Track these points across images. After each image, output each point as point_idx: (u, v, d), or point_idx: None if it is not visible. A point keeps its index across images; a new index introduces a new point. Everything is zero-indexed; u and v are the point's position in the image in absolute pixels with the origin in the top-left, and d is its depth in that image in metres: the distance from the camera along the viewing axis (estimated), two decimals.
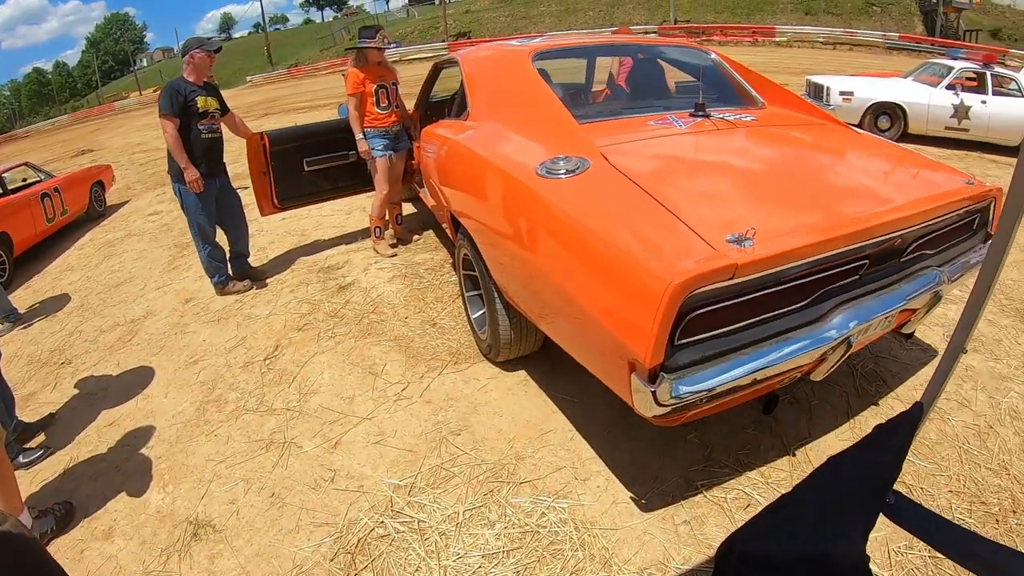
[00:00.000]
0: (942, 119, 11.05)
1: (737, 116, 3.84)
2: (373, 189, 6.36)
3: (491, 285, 3.71)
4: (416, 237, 6.75)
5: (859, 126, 10.78)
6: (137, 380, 4.73)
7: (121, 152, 22.22)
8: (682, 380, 2.18)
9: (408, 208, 7.51)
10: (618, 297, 2.30)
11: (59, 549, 3.19)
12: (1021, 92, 10.72)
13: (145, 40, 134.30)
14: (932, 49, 36.51)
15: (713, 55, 4.73)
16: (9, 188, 9.85)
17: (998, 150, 10.70)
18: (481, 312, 4.17)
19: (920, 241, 2.96)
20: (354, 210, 8.03)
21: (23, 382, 5.16)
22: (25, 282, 8.22)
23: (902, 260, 2.94)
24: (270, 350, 4.70)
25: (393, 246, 6.50)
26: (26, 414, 4.54)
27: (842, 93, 11.57)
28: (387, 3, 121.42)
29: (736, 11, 49.74)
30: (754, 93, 4.42)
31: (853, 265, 2.66)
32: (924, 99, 11.16)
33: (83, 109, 78.40)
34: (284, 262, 6.62)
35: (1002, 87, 10.90)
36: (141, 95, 71.07)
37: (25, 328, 6.35)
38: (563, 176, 2.92)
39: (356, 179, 6.64)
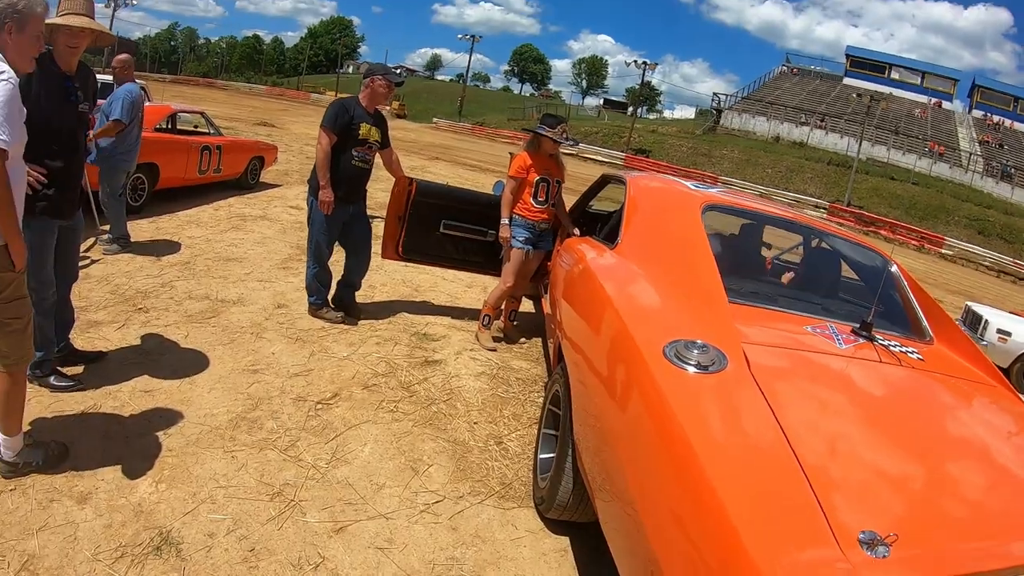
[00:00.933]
0: None
1: (902, 348, 3.35)
2: (499, 275, 6.09)
3: (570, 438, 3.26)
4: (523, 340, 6.35)
5: (1006, 370, 9.92)
6: (194, 362, 4.56)
7: (296, 138, 23.12)
8: None
9: (527, 306, 7.17)
10: (696, 554, 1.88)
11: (33, 485, 3.03)
12: None
13: (359, 49, 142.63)
14: None
15: (895, 267, 4.18)
16: (178, 128, 10.19)
17: None
18: (549, 456, 3.71)
19: None
20: (475, 285, 7.79)
21: (97, 308, 5.15)
22: (154, 216, 8.42)
23: None
24: (327, 396, 4.40)
25: (496, 339, 6.12)
26: (80, 341, 4.46)
27: (999, 332, 10.47)
28: (583, 98, 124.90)
29: (911, 211, 48.51)
30: (925, 323, 3.89)
31: None
32: None
33: (281, 88, 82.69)
34: (385, 309, 6.38)
35: None
36: (336, 95, 74.39)
37: (129, 255, 6.34)
38: (691, 369, 2.45)
39: (486, 259, 6.38)
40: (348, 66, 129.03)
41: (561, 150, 5.92)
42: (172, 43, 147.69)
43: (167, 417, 3.78)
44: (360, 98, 5.48)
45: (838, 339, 3.16)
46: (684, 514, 1.98)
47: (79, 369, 4.10)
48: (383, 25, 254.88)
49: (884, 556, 1.70)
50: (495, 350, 5.87)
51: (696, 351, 2.51)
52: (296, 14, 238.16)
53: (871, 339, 3.23)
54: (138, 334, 4.82)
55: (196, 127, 11.81)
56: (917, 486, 2.28)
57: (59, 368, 3.95)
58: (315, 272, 5.71)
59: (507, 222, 5.67)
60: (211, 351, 4.73)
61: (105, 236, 6.74)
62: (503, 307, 6.23)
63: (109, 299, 5.32)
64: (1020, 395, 3.64)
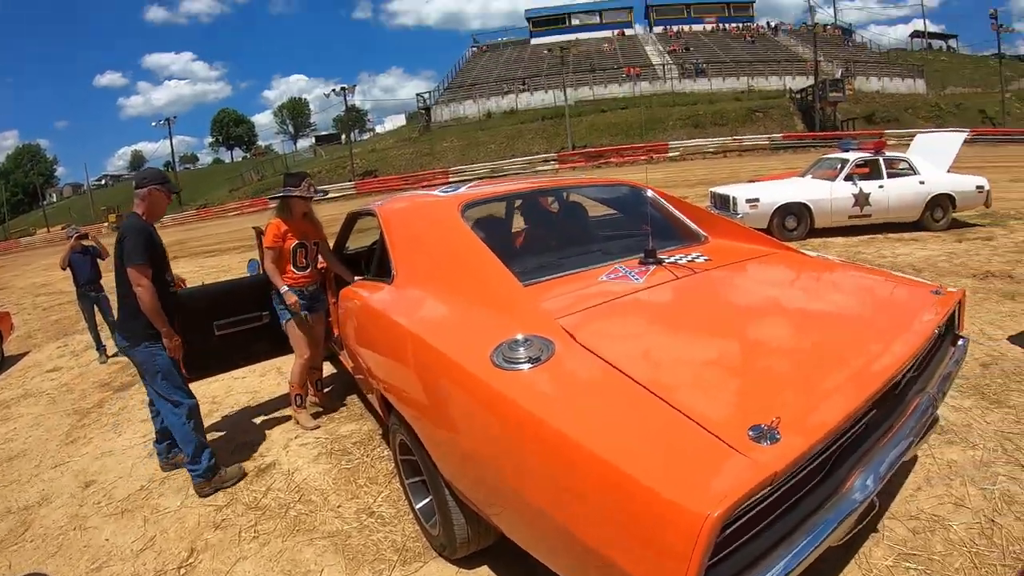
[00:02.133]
0: (845, 210, 11.98)
1: (688, 257, 3.65)
2: (290, 352, 5.85)
3: (439, 479, 3.20)
4: (340, 404, 6.18)
5: (767, 229, 11.47)
6: None
7: (25, 292, 21.41)
8: None
9: (327, 367, 6.95)
10: (630, 529, 1.91)
11: None
12: (913, 170, 11.98)
13: (55, 174, 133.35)
14: (815, 143, 41.29)
15: (650, 192, 4.51)
16: None
17: (899, 228, 11.86)
18: (427, 501, 3.63)
19: (910, 371, 2.82)
20: (268, 371, 7.46)
21: None
22: None
23: (896, 394, 2.77)
24: (184, 556, 4.08)
25: (316, 416, 5.90)
26: None
27: (748, 201, 12.09)
28: (295, 143, 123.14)
29: (629, 132, 52.89)
30: (694, 227, 4.25)
31: (861, 420, 2.45)
32: (826, 194, 12.02)
33: None
34: None
35: (894, 168, 12.10)
36: (49, 231, 69.51)
37: None
38: (525, 367, 2.48)
39: (272, 343, 5.97)
40: (50, 195, 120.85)
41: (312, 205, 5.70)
42: None
43: None
44: (139, 212, 4.77)
45: (632, 276, 3.36)
46: (608, 506, 1.99)
47: None
48: (72, 138, 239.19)
49: (778, 440, 1.88)
50: (319, 426, 5.69)
51: (521, 348, 2.56)
52: None
53: (659, 262, 3.48)
54: None
55: None
56: (767, 369, 2.48)
57: None
58: (186, 419, 4.85)
59: (286, 288, 5.39)
60: (43, 570, 4.26)
61: None
62: (308, 380, 5.99)
63: None
64: (798, 249, 3.95)
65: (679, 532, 1.73)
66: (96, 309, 10.00)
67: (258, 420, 6.20)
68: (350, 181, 51.11)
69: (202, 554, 4.07)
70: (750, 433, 1.91)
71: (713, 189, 13.69)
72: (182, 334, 5.05)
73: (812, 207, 12.00)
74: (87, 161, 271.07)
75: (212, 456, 4.87)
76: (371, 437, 5.25)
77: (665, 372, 2.39)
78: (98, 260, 10.03)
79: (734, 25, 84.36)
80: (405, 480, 3.96)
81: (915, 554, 3.10)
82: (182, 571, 3.94)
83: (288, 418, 5.91)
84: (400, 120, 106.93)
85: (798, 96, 54.58)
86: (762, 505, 1.98)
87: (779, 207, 12.01)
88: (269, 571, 3.79)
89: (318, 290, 5.74)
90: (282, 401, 6.34)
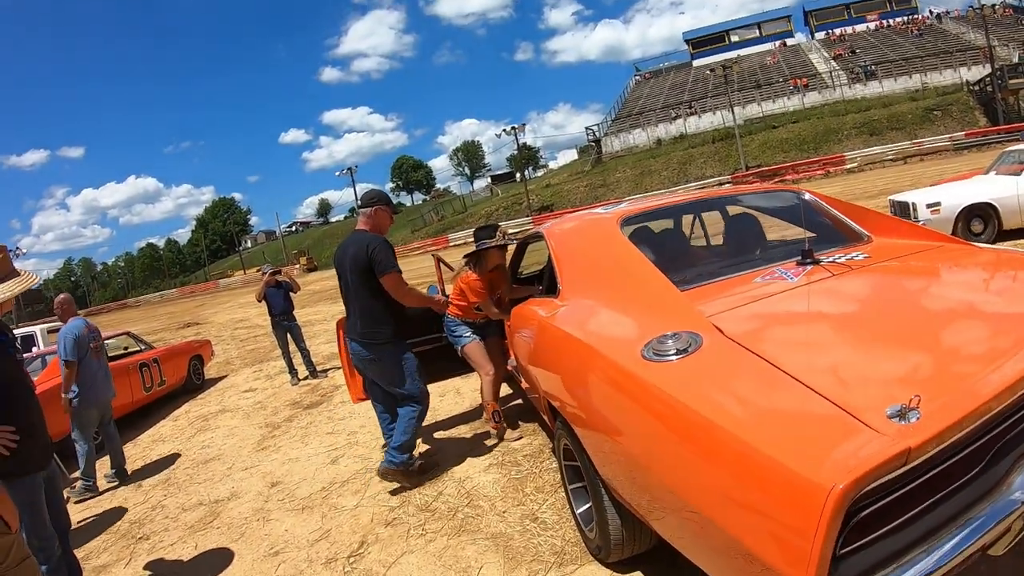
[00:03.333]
0: None
1: (848, 256, 3.51)
2: (465, 371, 6.04)
3: (597, 480, 3.24)
4: (516, 426, 6.11)
5: (952, 235, 10.25)
6: (214, 567, 4.42)
7: (224, 327, 22.96)
8: None
9: (504, 389, 7.06)
10: (760, 507, 1.87)
11: None
12: None
13: (249, 223, 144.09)
14: (1001, 138, 37.08)
15: (806, 195, 4.40)
16: (110, 355, 10.06)
17: None
18: (587, 507, 3.65)
19: None
20: (447, 392, 7.70)
21: (98, 552, 5.02)
22: None
23: None
24: (355, 546, 4.30)
25: (515, 428, 5.95)
26: None
27: (929, 206, 10.95)
28: (471, 184, 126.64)
29: (803, 147, 50.96)
30: (857, 227, 4.08)
31: (1022, 411, 2.22)
32: (1012, 190, 10.65)
33: (190, 285, 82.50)
34: (376, 447, 6.26)
35: None
36: (244, 273, 74.23)
37: (110, 492, 6.25)
38: (673, 358, 2.49)
39: (447, 363, 6.17)
40: (245, 241, 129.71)
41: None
42: (72, 279, 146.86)
43: None
44: (366, 231, 5.10)
45: (788, 276, 3.30)
46: (736, 482, 1.98)
47: None
48: (263, 191, 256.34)
49: (918, 419, 1.76)
50: (521, 436, 5.76)
51: (670, 341, 2.57)
52: (179, 210, 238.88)
53: (816, 262, 3.38)
54: (148, 563, 4.69)
55: (127, 348, 11.69)
56: (916, 355, 2.37)
57: None
58: (419, 416, 5.17)
59: (444, 297, 5.62)
60: (225, 552, 4.61)
61: (77, 485, 6.53)
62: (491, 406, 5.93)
63: (107, 540, 5.18)
64: (968, 242, 3.79)
65: (804, 506, 1.68)
66: (289, 337, 10.64)
67: (437, 434, 6.42)
68: (527, 217, 52.07)
69: (371, 546, 4.26)
70: (888, 411, 1.81)
71: (892, 197, 12.60)
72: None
73: (998, 206, 10.69)
74: (278, 210, 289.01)
75: (412, 459, 5.15)
76: (540, 451, 5.33)
77: (806, 359, 2.33)
78: (290, 293, 10.74)
79: (898, 20, 78.47)
80: (568, 485, 4.00)
81: None
82: (352, 560, 4.14)
83: (463, 436, 6.10)
84: (572, 155, 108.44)
85: (976, 88, 49.99)
86: (903, 492, 1.84)
87: (963, 209, 10.79)
88: (432, 564, 3.92)
89: (488, 321, 5.80)
90: (460, 420, 6.56)
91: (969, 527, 1.93)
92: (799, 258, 3.43)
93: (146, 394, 10.00)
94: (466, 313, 5.64)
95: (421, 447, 5.89)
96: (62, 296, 6.87)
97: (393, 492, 5.08)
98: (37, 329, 13.80)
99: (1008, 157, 11.73)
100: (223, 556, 4.55)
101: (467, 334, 5.69)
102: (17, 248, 66.62)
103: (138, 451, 8.05)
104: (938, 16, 77.23)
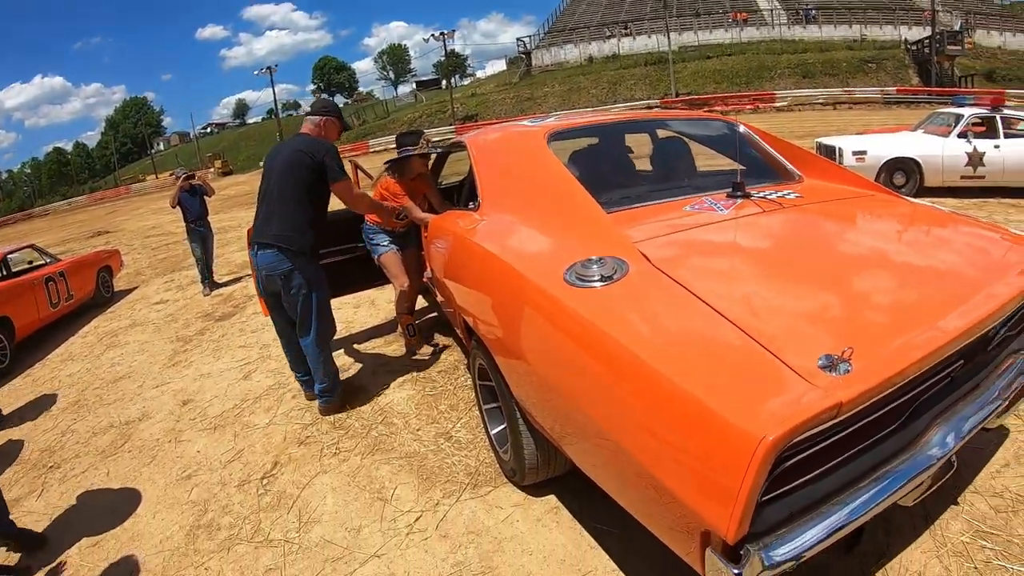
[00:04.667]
0: (957, 169, 11.04)
1: (779, 193, 3.48)
2: (382, 282, 5.93)
3: (512, 402, 3.24)
4: (432, 342, 6.10)
5: None
6: (126, 495, 4.33)
7: (135, 235, 22.26)
8: (772, 547, 1.75)
9: (420, 302, 6.98)
10: (684, 448, 1.85)
11: None
12: None
13: (162, 124, 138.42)
14: (930, 99, 37.24)
15: (740, 127, 4.34)
16: (13, 271, 9.73)
17: (1016, 193, 10.69)
18: (501, 428, 3.69)
19: (1004, 325, 2.63)
20: (362, 303, 7.64)
21: (8, 485, 4.83)
22: (26, 370, 8.00)
23: (988, 350, 2.60)
24: (268, 467, 4.27)
25: (429, 342, 5.94)
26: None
27: (855, 153, 11.45)
28: (395, 89, 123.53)
29: (735, 80, 50.84)
30: (789, 166, 4.06)
31: (946, 369, 2.31)
32: (937, 151, 11.15)
33: (100, 191, 79.63)
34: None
35: (1012, 128, 10.98)
36: (157, 178, 71.89)
37: (18, 425, 6.04)
38: (597, 284, 2.45)
39: (364, 274, 6.11)
40: (158, 143, 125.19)
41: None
42: None
43: (126, 562, 3.59)
44: (312, 136, 4.82)
45: (718, 207, 3.24)
46: (656, 417, 1.97)
47: (16, 557, 3.85)
48: (178, 90, 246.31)
49: (848, 371, 1.77)
50: (438, 344, 5.78)
51: (595, 266, 2.53)
52: (89, 111, 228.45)
53: (747, 196, 3.34)
54: (60, 492, 4.56)
55: (31, 263, 11.27)
56: (845, 304, 2.35)
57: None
58: (328, 345, 4.97)
59: (401, 209, 5.32)
60: (137, 476, 4.52)
61: None
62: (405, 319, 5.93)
63: (17, 471, 5.01)
64: (899, 194, 3.79)
65: (732, 454, 1.67)
66: (204, 243, 10.44)
67: (350, 347, 6.37)
68: (451, 126, 50.98)
69: (285, 467, 4.24)
70: (820, 362, 1.81)
71: (820, 140, 12.90)
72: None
73: (922, 163, 11.18)
74: (192, 111, 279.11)
75: (339, 382, 5.00)
76: (455, 367, 5.34)
77: (738, 298, 2.28)
78: (205, 198, 10.55)
79: None
80: (482, 405, 4.00)
81: (994, 533, 2.90)
82: (265, 481, 4.11)
83: (377, 350, 6.06)
84: (501, 66, 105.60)
85: (914, 48, 50.43)
86: (827, 443, 1.88)
87: (887, 161, 11.30)
88: (346, 485, 3.93)
89: (409, 230, 5.70)
90: (375, 333, 6.52)
91: (886, 480, 1.99)
92: (730, 190, 3.39)
93: (53, 310, 9.59)
94: (385, 221, 5.44)
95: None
96: None
97: (306, 408, 5.05)
98: None
99: (938, 118, 12.16)
100: (135, 481, 4.46)
101: (385, 243, 5.51)
102: None
103: (47, 372, 7.76)
104: None
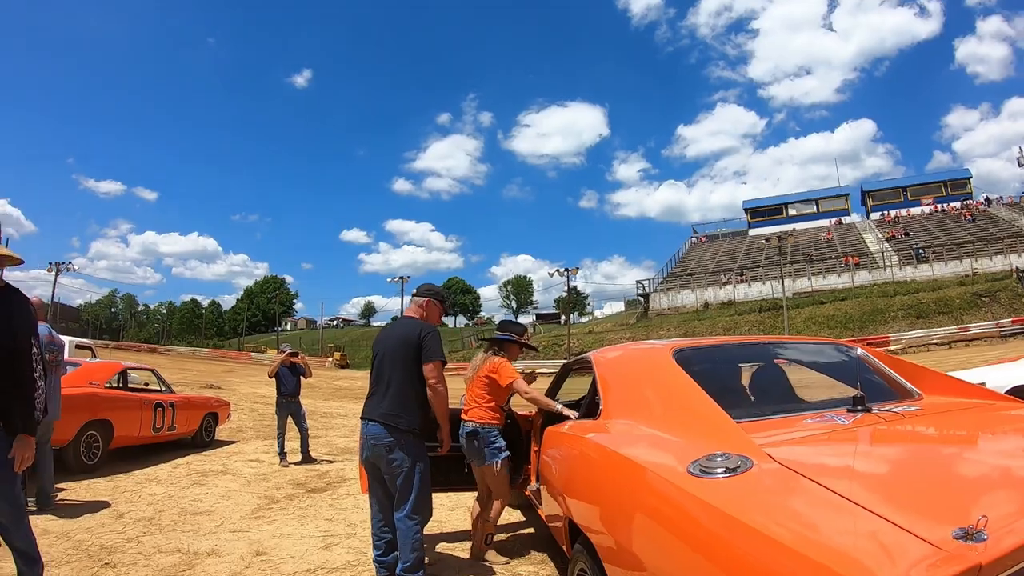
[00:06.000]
0: None
1: (899, 408, 3.44)
2: (467, 488, 5.74)
3: None
4: (515, 552, 5.76)
5: None
6: None
7: (245, 398, 22.89)
8: None
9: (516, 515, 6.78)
10: None
11: None
12: None
13: (294, 306, 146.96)
14: None
15: (859, 350, 4.31)
16: (130, 386, 10.12)
17: None
18: None
19: None
20: (458, 507, 7.35)
21: (59, 564, 4.80)
22: (111, 474, 8.18)
23: None
24: None
25: (519, 556, 5.58)
26: None
27: None
28: (516, 318, 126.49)
29: (849, 324, 50.07)
30: (908, 385, 4.01)
31: None
32: None
33: (224, 350, 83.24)
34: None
35: None
36: (278, 354, 74.75)
37: (89, 515, 6.06)
38: (721, 476, 2.37)
39: (460, 476, 5.87)
40: (286, 323, 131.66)
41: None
42: (113, 310, 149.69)
43: None
44: (416, 318, 5.03)
45: (839, 419, 3.25)
46: None
47: None
48: (314, 280, 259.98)
49: (984, 540, 1.66)
50: (509, 561, 5.45)
51: (719, 459, 2.47)
52: (231, 277, 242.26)
53: (868, 409, 3.31)
54: None
55: (147, 384, 11.65)
56: (975, 492, 2.30)
57: None
58: (422, 529, 4.81)
59: (559, 408, 5.08)
60: None
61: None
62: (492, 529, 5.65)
63: (71, 554, 4.96)
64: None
65: None
66: (291, 419, 10.73)
67: (439, 547, 6.04)
68: (565, 359, 51.41)
69: None
70: (953, 533, 1.69)
71: None
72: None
73: None
74: (323, 301, 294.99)
75: (424, 572, 4.74)
76: None
77: (865, 488, 2.19)
78: (302, 377, 11.03)
79: (953, 204, 79.13)
80: None
81: None
82: None
83: (462, 552, 5.76)
84: (619, 306, 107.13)
85: None
86: None
87: (1009, 391, 10.32)
88: None
89: None
90: (464, 536, 6.13)
91: None
92: (850, 406, 3.34)
93: (153, 434, 9.89)
94: (499, 417, 5.34)
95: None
96: (34, 298, 6.67)
97: None
98: (66, 339, 14.05)
99: None
100: None
101: (504, 448, 5.32)
102: (69, 263, 68.40)
103: (130, 484, 7.84)
104: (987, 199, 78.26)
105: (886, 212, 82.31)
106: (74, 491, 7.20)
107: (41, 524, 5.69)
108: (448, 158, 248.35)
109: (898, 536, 1.78)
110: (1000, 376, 11.09)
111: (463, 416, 5.44)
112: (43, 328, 6.26)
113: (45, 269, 67.43)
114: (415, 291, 5.18)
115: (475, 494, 5.70)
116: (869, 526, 1.87)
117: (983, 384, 10.70)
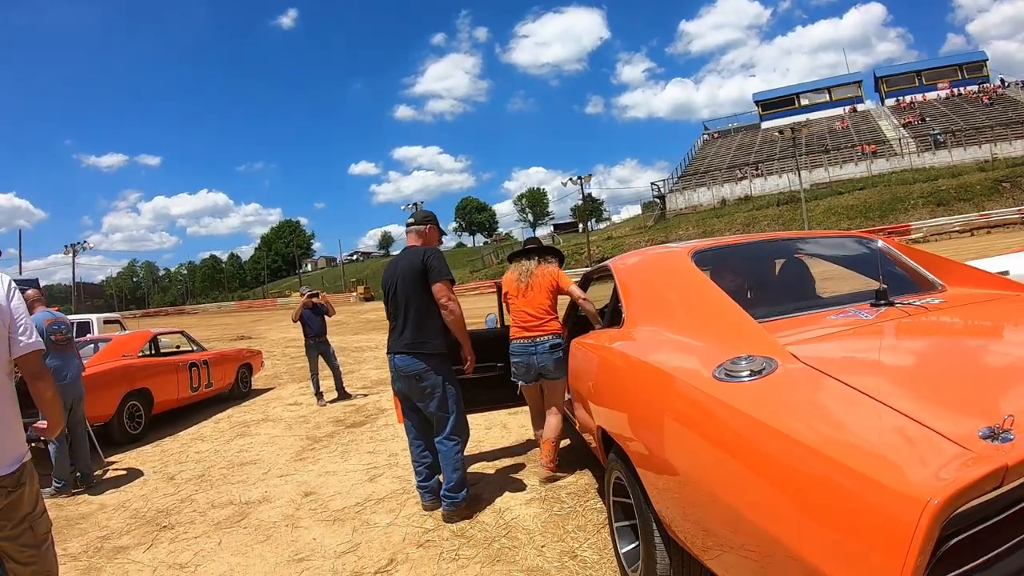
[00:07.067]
0: None
1: (923, 301, 3.40)
2: (515, 404, 5.83)
3: (649, 514, 3.07)
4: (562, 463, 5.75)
5: None
6: (233, 564, 4.30)
7: (276, 344, 23.16)
8: None
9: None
10: (843, 527, 1.71)
11: None
12: None
13: (312, 247, 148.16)
14: None
15: (880, 242, 4.28)
16: (162, 351, 10.25)
17: None
18: (633, 546, 3.48)
19: None
20: (494, 425, 7.51)
21: (120, 534, 4.97)
22: (156, 441, 8.40)
23: None
24: (383, 563, 4.10)
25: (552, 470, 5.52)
26: (110, 569, 4.36)
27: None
28: (533, 230, 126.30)
29: (868, 215, 49.71)
30: (931, 276, 3.96)
31: None
32: None
33: (249, 300, 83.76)
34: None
35: None
36: (302, 296, 75.24)
37: (142, 479, 6.37)
38: (747, 379, 2.38)
39: (500, 393, 5.99)
40: (306, 264, 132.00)
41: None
42: (135, 279, 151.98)
43: None
44: (418, 245, 5.04)
45: (863, 315, 3.22)
46: (811, 492, 1.87)
47: None
48: (329, 218, 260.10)
49: (1011, 440, 1.62)
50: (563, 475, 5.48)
51: (744, 362, 2.48)
52: (246, 228, 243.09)
53: (891, 303, 3.29)
54: (169, 551, 4.59)
55: (178, 347, 11.82)
56: (1004, 389, 2.22)
57: None
58: (462, 449, 4.97)
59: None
60: (249, 552, 4.47)
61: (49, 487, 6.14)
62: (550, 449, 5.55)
63: (130, 523, 5.14)
64: None
65: (895, 523, 1.55)
66: (322, 359, 10.90)
67: (480, 464, 6.18)
68: (586, 267, 51.51)
69: (400, 565, 4.07)
70: (980, 432, 1.66)
71: None
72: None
73: None
74: (340, 238, 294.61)
75: (468, 491, 4.90)
76: (586, 490, 5.08)
77: (890, 385, 2.20)
78: (325, 316, 11.10)
79: (969, 88, 76.13)
80: (613, 523, 3.77)
81: None
82: (378, 575, 3.96)
83: (504, 469, 5.89)
84: (636, 209, 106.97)
85: None
86: (991, 523, 1.70)
87: None
88: None
89: None
90: (503, 453, 6.35)
91: None
92: (873, 300, 3.32)
93: (192, 394, 10.07)
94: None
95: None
96: (29, 291, 6.63)
97: (428, 515, 4.91)
98: (94, 317, 14.38)
99: None
100: (245, 555, 4.43)
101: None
102: (84, 242, 68.72)
103: (176, 445, 8.07)
104: (1003, 81, 75.62)
105: (901, 98, 78.89)
106: (123, 461, 7.41)
107: (97, 500, 5.95)
108: (447, 78, 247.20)
109: (924, 435, 1.77)
110: (1021, 264, 11.13)
111: (537, 331, 5.42)
112: (43, 314, 6.35)
113: (62, 253, 68.50)
114: (411, 219, 5.14)
115: (513, 414, 5.71)
116: (894, 424, 1.87)
117: (1006, 272, 10.63)
